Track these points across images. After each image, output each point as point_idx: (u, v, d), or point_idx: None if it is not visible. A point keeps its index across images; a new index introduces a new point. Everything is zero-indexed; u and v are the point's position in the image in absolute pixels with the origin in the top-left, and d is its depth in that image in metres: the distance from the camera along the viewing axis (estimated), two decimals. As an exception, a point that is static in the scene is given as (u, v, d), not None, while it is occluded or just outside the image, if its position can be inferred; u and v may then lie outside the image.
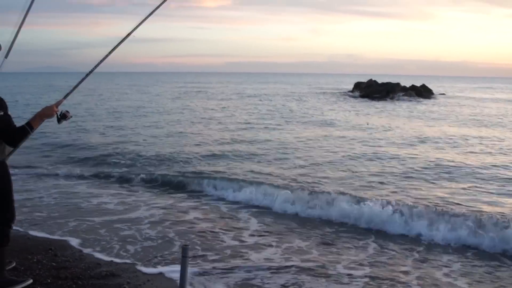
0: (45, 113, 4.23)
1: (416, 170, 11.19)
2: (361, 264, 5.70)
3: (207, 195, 9.03)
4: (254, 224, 7.31)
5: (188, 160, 12.33)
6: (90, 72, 4.88)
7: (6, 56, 4.72)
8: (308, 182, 9.87)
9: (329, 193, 8.49)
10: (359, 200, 7.96)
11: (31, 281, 4.57)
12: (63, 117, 4.38)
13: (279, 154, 13.16)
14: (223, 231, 6.87)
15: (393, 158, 12.71)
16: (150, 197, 8.82)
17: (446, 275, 5.43)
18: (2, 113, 3.99)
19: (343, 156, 12.91)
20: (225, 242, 6.43)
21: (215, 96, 43.41)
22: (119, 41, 4.88)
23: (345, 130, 18.64)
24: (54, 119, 4.37)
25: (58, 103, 4.36)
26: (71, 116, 4.49)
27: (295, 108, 29.91)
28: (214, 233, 6.77)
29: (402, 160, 12.35)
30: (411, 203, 7.99)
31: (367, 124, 19.84)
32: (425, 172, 10.99)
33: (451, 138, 16.54)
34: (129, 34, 4.94)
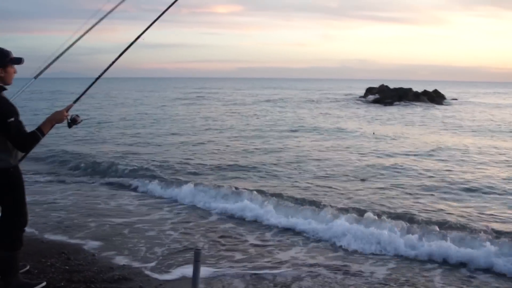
0: (55, 118, 4.26)
1: (431, 183, 10.49)
2: (384, 265, 5.79)
3: (228, 202, 8.63)
4: (278, 225, 7.40)
5: (204, 167, 12.22)
6: (99, 76, 5.00)
7: (35, 77, 4.84)
8: (316, 195, 9.44)
9: (331, 207, 8.07)
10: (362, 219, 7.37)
11: (44, 283, 4.61)
12: (73, 121, 4.40)
13: (291, 164, 12.68)
14: (247, 232, 7.05)
15: (408, 169, 11.94)
16: (168, 202, 8.87)
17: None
18: (13, 119, 4.00)
19: (356, 167, 12.31)
20: (248, 241, 6.60)
21: (227, 102, 43.40)
22: (127, 46, 5.03)
23: (356, 138, 18.21)
24: (65, 123, 4.38)
25: (68, 108, 4.41)
26: (81, 121, 4.51)
27: (306, 115, 29.61)
28: (237, 234, 6.93)
29: (417, 172, 11.67)
30: (425, 220, 7.46)
31: (373, 133, 19.57)
32: (441, 185, 10.22)
33: (466, 146, 16.04)
34: (137, 38, 5.09)
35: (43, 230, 6.77)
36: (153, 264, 5.58)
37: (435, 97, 43.36)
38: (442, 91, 47.20)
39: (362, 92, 52.95)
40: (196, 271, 4.17)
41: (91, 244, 6.21)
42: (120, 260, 5.63)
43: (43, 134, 4.13)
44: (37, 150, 4.15)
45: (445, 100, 44.37)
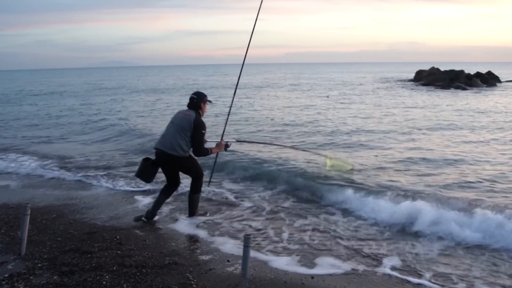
0: (220, 148, 6.85)
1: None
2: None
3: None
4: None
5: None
6: (237, 83, 5.50)
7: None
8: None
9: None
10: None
11: (208, 214, 6.93)
12: (226, 146, 6.91)
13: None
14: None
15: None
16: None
17: None
18: (204, 131, 6.35)
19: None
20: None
21: (294, 88, 42.90)
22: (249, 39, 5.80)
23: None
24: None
25: (223, 139, 6.96)
26: (231, 144, 7.02)
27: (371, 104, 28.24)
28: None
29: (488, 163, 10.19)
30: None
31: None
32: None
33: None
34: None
35: (95, 215, 6.94)
36: (205, 250, 5.58)
37: (488, 79, 41.75)
38: (496, 73, 45.34)
39: (412, 75, 51.77)
40: (245, 255, 4.15)
41: (145, 230, 6.28)
42: (171, 246, 5.68)
43: (210, 153, 6.59)
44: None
45: (499, 83, 42.61)
